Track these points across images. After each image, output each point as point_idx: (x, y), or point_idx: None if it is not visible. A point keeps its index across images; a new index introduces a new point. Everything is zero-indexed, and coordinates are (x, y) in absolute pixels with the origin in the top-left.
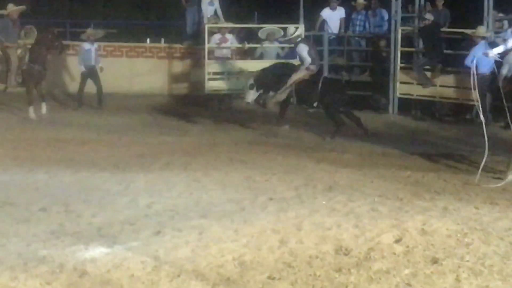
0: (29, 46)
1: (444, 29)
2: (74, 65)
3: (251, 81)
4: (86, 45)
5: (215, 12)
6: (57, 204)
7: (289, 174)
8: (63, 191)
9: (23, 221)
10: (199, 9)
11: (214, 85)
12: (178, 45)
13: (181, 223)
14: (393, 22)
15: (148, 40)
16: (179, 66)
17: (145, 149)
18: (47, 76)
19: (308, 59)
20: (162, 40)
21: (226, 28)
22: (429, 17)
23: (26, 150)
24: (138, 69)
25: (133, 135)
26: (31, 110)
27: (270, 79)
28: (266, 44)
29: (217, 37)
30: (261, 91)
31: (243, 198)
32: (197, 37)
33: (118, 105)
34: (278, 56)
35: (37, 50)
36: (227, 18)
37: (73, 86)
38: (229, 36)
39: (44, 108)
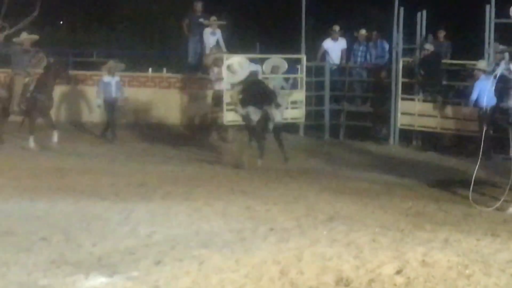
0: (37, 76)
1: (446, 60)
2: (77, 95)
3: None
4: (106, 78)
5: (217, 43)
6: (57, 234)
7: (290, 204)
8: (64, 220)
9: (24, 250)
10: (201, 40)
11: (230, 117)
12: (180, 75)
13: (182, 253)
14: (394, 53)
15: (150, 69)
16: (181, 96)
17: (146, 179)
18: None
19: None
20: (164, 69)
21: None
22: (429, 47)
23: (28, 179)
24: (140, 99)
25: (134, 164)
26: (31, 140)
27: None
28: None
29: (216, 70)
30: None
31: (243, 228)
32: (199, 67)
33: (120, 134)
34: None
35: (43, 80)
36: (229, 49)
37: (75, 116)
38: None
39: (55, 136)
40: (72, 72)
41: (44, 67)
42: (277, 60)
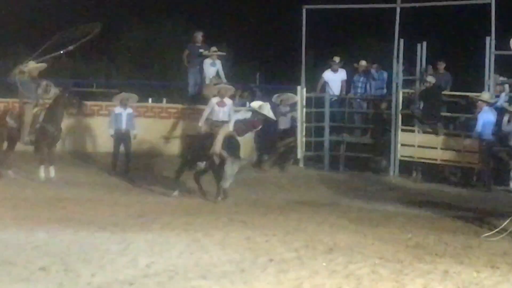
0: (47, 105)
1: (446, 92)
2: (81, 125)
3: None
4: (117, 109)
5: (217, 73)
6: (56, 264)
7: (290, 235)
8: (63, 250)
9: (22, 280)
10: (201, 70)
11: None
12: (180, 105)
13: (181, 284)
14: (394, 84)
15: (150, 100)
16: (181, 126)
17: (145, 209)
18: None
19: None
20: (164, 100)
21: (226, 92)
22: (431, 79)
23: (26, 209)
24: (139, 129)
25: (133, 194)
26: (41, 170)
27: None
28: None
29: (214, 100)
30: None
31: (243, 259)
32: (199, 97)
33: (119, 164)
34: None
35: (53, 110)
36: (229, 79)
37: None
38: (228, 101)
39: (52, 171)
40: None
41: (55, 97)
42: (286, 94)
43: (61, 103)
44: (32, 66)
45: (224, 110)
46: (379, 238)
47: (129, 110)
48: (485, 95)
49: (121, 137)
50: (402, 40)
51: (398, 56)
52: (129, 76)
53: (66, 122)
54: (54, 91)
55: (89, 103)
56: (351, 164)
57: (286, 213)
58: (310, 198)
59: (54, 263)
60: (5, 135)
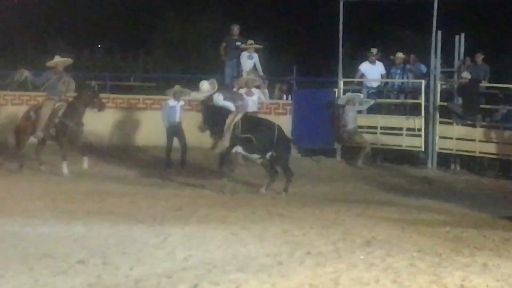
0: (68, 101)
1: (484, 84)
2: (109, 118)
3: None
4: (171, 102)
5: (254, 66)
6: (95, 257)
7: (327, 228)
8: (101, 243)
9: (61, 273)
10: (238, 63)
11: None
12: None
13: (218, 276)
14: (432, 76)
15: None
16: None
17: (183, 202)
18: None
19: (229, 105)
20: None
21: (252, 82)
22: (466, 75)
23: (65, 202)
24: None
25: (171, 188)
26: (64, 165)
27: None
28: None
29: (242, 91)
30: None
31: (280, 252)
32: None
33: (157, 158)
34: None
35: (74, 106)
36: (266, 72)
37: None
38: (255, 91)
39: (85, 162)
40: (105, 98)
41: (77, 93)
42: (350, 95)
43: (83, 100)
44: (58, 60)
45: (253, 99)
46: (417, 231)
47: (182, 103)
48: None
49: (175, 130)
50: (439, 32)
51: (435, 48)
52: (166, 70)
53: (115, 116)
54: (73, 86)
55: (125, 96)
56: (389, 156)
57: (323, 206)
58: (347, 191)
59: (92, 256)
60: (30, 130)
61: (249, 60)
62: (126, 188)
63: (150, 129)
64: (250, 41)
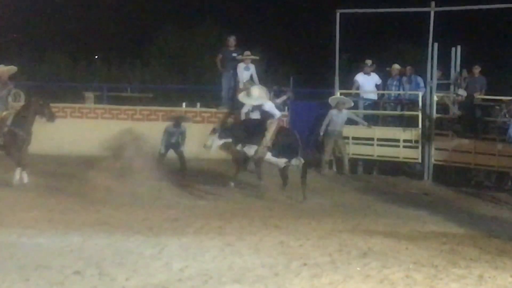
0: (16, 109)
1: (480, 96)
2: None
3: (216, 126)
4: (171, 128)
5: (251, 77)
6: (91, 267)
7: (323, 239)
8: (97, 254)
9: (57, 284)
10: (235, 74)
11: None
12: (213, 110)
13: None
14: (428, 88)
15: (184, 104)
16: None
17: (179, 213)
18: None
19: (278, 112)
20: (198, 104)
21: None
22: (462, 93)
23: (61, 213)
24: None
25: (167, 199)
26: (16, 173)
27: (241, 131)
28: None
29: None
30: (226, 140)
31: (276, 263)
32: (233, 101)
33: (154, 169)
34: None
35: (23, 115)
36: (263, 83)
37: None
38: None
39: (25, 177)
40: (102, 108)
41: (26, 102)
42: (342, 98)
43: (32, 110)
44: (1, 69)
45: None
46: (414, 243)
47: (183, 129)
48: None
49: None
50: (436, 44)
51: (432, 60)
52: (163, 81)
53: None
54: (20, 95)
55: (123, 107)
56: (385, 168)
57: (320, 217)
58: (343, 202)
59: (88, 267)
60: None
61: (246, 71)
62: (121, 199)
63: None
64: (247, 52)
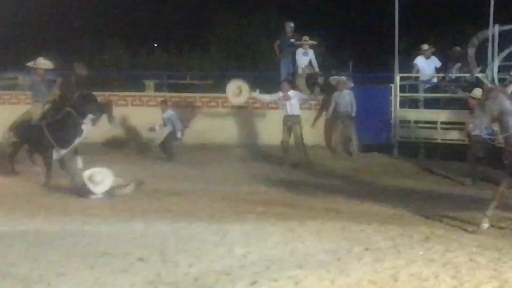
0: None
1: None
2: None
3: None
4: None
5: (310, 62)
6: (154, 254)
7: (385, 224)
8: (160, 241)
9: (121, 271)
10: (293, 60)
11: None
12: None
13: (277, 273)
14: (489, 70)
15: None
16: (274, 117)
17: (240, 199)
18: None
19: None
20: (257, 90)
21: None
22: None
23: (124, 201)
24: (233, 120)
25: (227, 185)
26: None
27: None
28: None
29: (279, 95)
30: None
31: (338, 248)
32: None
33: (212, 156)
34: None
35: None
36: (322, 68)
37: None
38: (292, 93)
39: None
40: (162, 96)
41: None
42: (341, 78)
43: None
44: (40, 62)
45: (291, 103)
46: (476, 226)
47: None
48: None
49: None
50: (497, 26)
51: (493, 42)
52: (221, 68)
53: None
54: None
55: (183, 95)
56: (446, 152)
57: (381, 202)
58: (404, 186)
59: (152, 254)
60: None
61: (304, 56)
62: (183, 186)
63: (207, 127)
64: (305, 38)
